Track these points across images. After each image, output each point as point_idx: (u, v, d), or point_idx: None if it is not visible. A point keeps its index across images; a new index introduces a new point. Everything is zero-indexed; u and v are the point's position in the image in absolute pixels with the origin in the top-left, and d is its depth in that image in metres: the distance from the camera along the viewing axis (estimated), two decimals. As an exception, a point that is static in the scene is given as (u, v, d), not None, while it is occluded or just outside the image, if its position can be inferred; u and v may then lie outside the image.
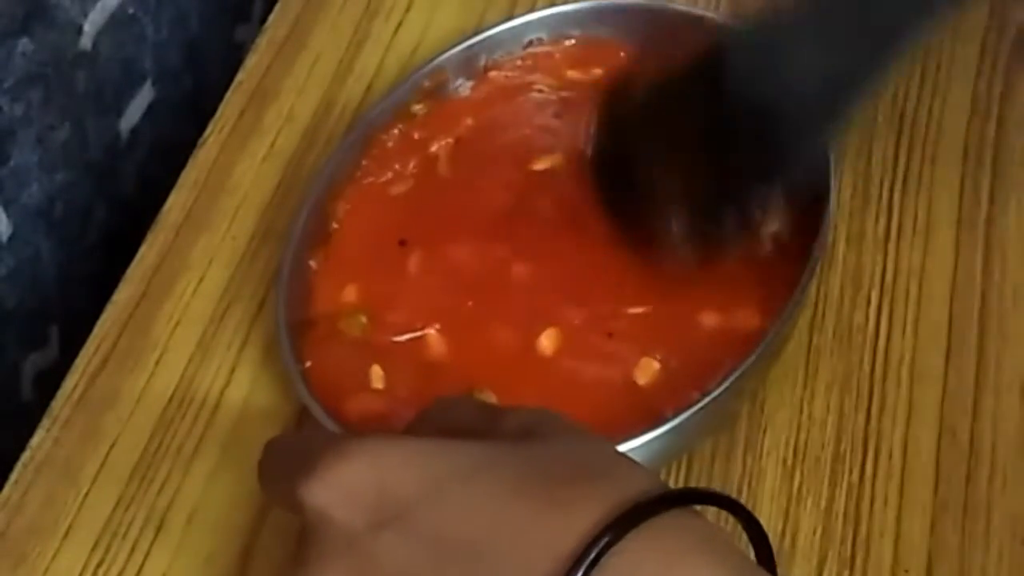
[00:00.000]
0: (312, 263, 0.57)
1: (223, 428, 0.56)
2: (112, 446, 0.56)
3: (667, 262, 0.50)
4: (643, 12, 0.61)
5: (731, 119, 0.43)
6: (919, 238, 0.56)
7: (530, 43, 0.62)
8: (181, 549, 0.53)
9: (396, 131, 0.61)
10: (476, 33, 0.62)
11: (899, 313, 0.54)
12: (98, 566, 0.53)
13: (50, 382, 0.59)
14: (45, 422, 0.57)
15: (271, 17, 0.71)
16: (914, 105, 0.60)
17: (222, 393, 0.57)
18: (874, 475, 0.50)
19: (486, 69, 0.62)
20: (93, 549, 0.53)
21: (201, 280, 0.61)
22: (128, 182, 0.71)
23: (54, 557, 0.53)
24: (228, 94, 0.68)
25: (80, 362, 0.59)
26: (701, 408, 0.47)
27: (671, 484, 0.51)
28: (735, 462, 0.51)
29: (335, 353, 0.54)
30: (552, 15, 0.62)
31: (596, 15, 0.61)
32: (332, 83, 0.67)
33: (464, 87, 0.62)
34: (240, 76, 0.68)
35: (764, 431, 0.52)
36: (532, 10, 0.63)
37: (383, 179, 0.60)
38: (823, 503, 0.50)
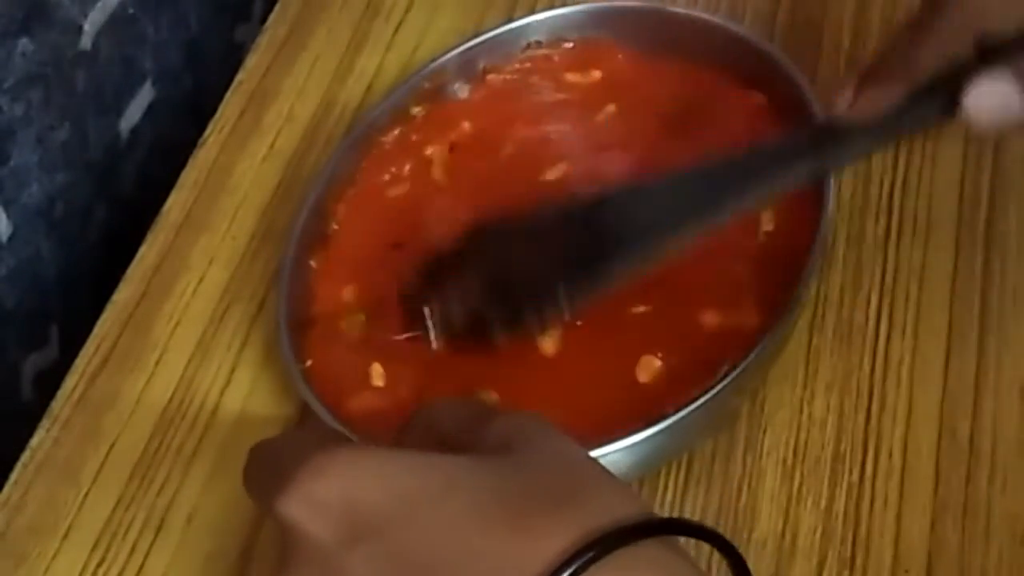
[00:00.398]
0: (312, 263, 0.57)
1: (223, 428, 0.56)
2: (112, 446, 0.56)
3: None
4: (641, 15, 0.61)
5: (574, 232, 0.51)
6: (919, 238, 0.56)
7: (528, 46, 0.62)
8: (181, 549, 0.53)
9: (395, 133, 0.61)
10: (475, 35, 0.62)
11: (899, 313, 0.54)
12: (98, 566, 0.53)
13: (50, 382, 0.59)
14: (45, 422, 0.57)
15: (271, 17, 0.71)
16: (914, 105, 0.60)
17: (222, 393, 0.57)
18: (874, 475, 0.50)
19: (485, 72, 0.62)
20: (93, 549, 0.53)
21: (201, 280, 0.61)
22: (128, 182, 0.71)
23: (54, 557, 0.53)
24: (228, 94, 0.68)
25: (80, 362, 0.59)
26: (701, 406, 0.47)
27: (670, 486, 0.51)
28: (735, 462, 0.51)
29: (336, 352, 0.54)
30: (551, 18, 0.62)
31: (594, 18, 0.62)
32: (332, 83, 0.67)
33: (463, 89, 0.62)
34: (240, 76, 0.68)
35: (764, 431, 0.52)
36: (531, 13, 0.63)
37: (381, 181, 0.60)
38: (823, 503, 0.50)
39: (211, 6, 0.76)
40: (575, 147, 0.59)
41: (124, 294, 0.61)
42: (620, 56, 0.61)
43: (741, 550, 0.33)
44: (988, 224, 0.56)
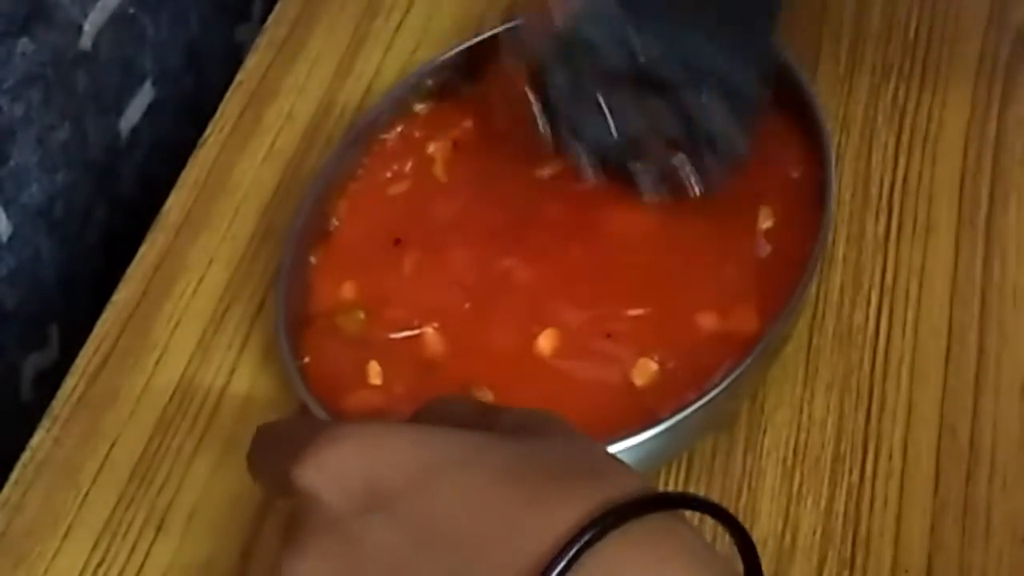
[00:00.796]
0: (312, 259, 0.57)
1: (223, 428, 0.56)
2: (112, 446, 0.56)
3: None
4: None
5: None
6: (919, 238, 0.56)
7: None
8: (181, 549, 0.53)
9: (396, 131, 0.61)
10: (476, 34, 0.62)
11: (899, 313, 0.54)
12: (98, 566, 0.53)
13: (50, 382, 0.59)
14: (45, 422, 0.57)
15: (271, 17, 0.71)
16: (914, 105, 0.60)
17: (222, 393, 0.57)
18: (874, 475, 0.50)
19: (485, 70, 0.62)
20: (93, 549, 0.53)
21: (201, 280, 0.61)
22: (128, 182, 0.71)
23: (54, 557, 0.53)
24: (228, 94, 0.68)
25: (80, 362, 0.59)
26: (696, 410, 0.47)
27: (670, 484, 0.51)
28: (735, 462, 0.51)
29: (333, 349, 0.54)
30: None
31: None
32: (332, 83, 0.67)
33: (464, 88, 0.62)
34: (240, 76, 0.68)
35: (764, 431, 0.52)
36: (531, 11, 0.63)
37: (382, 178, 0.60)
38: (823, 503, 0.50)
39: (211, 6, 0.76)
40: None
41: (124, 294, 0.61)
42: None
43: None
44: (988, 224, 0.56)
